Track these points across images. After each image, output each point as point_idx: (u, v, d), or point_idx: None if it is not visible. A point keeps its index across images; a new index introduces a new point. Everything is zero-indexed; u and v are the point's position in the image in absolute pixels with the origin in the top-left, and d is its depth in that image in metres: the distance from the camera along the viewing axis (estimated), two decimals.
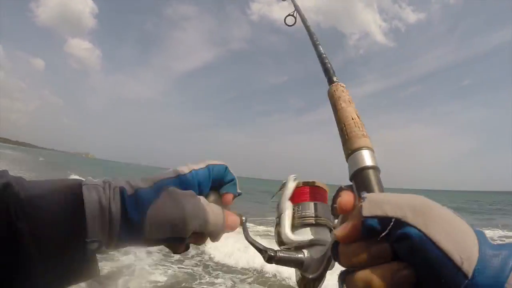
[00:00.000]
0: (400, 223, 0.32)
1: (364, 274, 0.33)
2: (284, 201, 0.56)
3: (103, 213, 0.43)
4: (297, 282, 0.53)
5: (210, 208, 0.49)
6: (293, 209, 0.56)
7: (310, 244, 0.52)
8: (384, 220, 0.32)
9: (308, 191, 0.57)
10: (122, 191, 0.45)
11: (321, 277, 0.49)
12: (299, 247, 0.52)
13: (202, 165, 0.54)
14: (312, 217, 0.55)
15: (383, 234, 0.33)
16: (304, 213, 0.55)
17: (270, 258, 0.49)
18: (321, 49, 0.65)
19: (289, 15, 0.95)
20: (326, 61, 0.61)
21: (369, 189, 0.42)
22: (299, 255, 0.50)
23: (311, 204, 0.55)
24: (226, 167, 0.56)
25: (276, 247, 0.53)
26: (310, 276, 0.50)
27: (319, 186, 0.58)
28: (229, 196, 0.56)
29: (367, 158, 0.45)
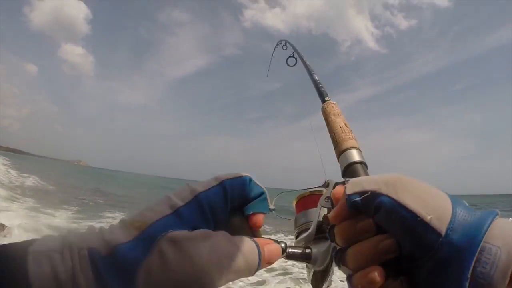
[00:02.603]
0: (375, 194, 0.35)
1: (352, 249, 0.37)
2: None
3: None
4: (308, 277, 0.55)
5: (237, 245, 0.35)
6: (299, 217, 0.60)
7: (315, 240, 0.55)
8: (363, 194, 0.37)
9: (313, 199, 0.61)
10: (92, 254, 0.31)
11: (328, 269, 0.51)
12: (307, 244, 0.55)
13: (213, 182, 0.39)
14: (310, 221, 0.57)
15: (361, 204, 0.37)
16: (308, 219, 0.58)
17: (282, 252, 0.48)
18: (315, 77, 0.85)
19: (290, 56, 1.15)
20: (321, 85, 0.80)
21: None
22: (307, 250, 0.52)
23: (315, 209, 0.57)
24: (250, 179, 0.42)
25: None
26: (318, 269, 0.52)
27: (316, 194, 0.61)
28: (258, 218, 0.42)
29: (354, 155, 0.59)
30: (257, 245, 0.37)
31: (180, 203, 0.36)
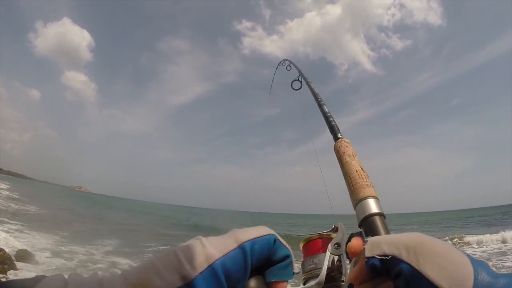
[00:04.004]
0: (396, 260, 0.35)
1: None
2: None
3: None
4: None
5: None
6: (307, 261, 0.59)
7: None
8: (383, 258, 0.36)
9: (321, 243, 0.60)
10: None
11: None
12: None
13: (231, 245, 0.35)
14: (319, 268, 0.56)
15: (380, 268, 0.37)
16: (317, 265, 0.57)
17: None
18: (325, 108, 0.74)
19: (295, 80, 1.07)
20: (331, 119, 0.70)
21: (376, 233, 0.49)
22: None
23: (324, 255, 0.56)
24: (275, 239, 0.38)
25: None
26: None
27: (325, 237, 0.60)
28: (281, 286, 0.39)
29: (372, 206, 0.53)
30: None
31: (193, 273, 0.31)
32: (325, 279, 0.51)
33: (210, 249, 0.33)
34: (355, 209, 0.56)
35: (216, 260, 0.33)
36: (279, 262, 0.39)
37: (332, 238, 0.58)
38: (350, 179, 0.58)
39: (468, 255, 0.35)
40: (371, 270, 0.37)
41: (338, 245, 0.53)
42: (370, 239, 0.40)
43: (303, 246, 0.62)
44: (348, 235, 0.53)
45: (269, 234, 0.38)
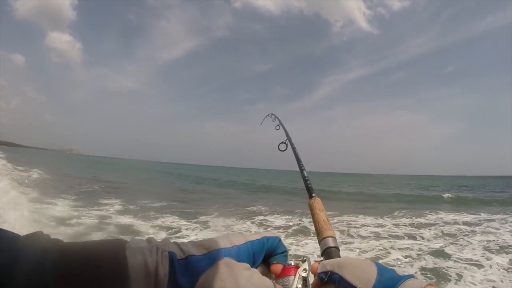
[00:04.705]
0: (332, 273, 0.59)
1: None
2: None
3: (149, 278, 0.43)
4: None
5: (264, 281, 0.52)
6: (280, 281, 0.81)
7: None
8: (326, 273, 0.60)
9: (293, 268, 0.82)
10: (171, 256, 0.46)
11: None
12: None
13: (258, 236, 0.58)
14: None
15: (326, 279, 0.60)
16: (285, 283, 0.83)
17: None
18: (305, 173, 1.05)
19: (282, 142, 1.27)
20: (308, 181, 1.01)
21: (331, 258, 0.85)
22: None
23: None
24: (280, 240, 0.62)
25: None
26: None
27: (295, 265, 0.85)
28: (278, 267, 0.62)
29: (331, 242, 0.86)
30: (274, 286, 0.55)
31: (237, 243, 0.55)
32: None
33: (247, 236, 0.57)
34: (319, 244, 0.91)
35: (250, 241, 0.56)
36: (280, 254, 0.62)
37: (301, 265, 0.84)
38: (318, 225, 0.92)
39: (378, 265, 0.56)
40: (321, 280, 0.61)
41: (305, 270, 0.79)
42: (321, 262, 0.64)
43: (280, 271, 0.84)
44: (312, 262, 0.88)
45: (277, 236, 0.62)
